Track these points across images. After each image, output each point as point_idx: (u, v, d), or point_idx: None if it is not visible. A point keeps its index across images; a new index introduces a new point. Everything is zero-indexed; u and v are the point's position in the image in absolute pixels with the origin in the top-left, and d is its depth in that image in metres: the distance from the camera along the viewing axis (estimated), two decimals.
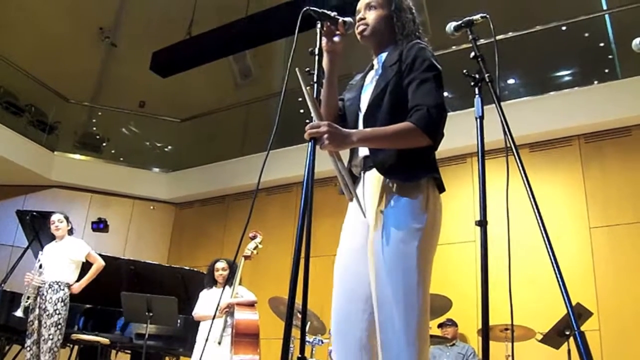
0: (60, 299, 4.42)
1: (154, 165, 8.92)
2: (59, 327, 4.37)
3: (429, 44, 1.73)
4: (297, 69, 1.55)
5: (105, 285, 5.09)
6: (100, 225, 7.65)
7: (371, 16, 1.78)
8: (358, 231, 1.68)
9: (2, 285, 5.16)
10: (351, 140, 1.54)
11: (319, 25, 1.67)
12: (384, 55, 1.78)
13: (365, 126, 1.69)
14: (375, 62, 1.82)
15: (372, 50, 1.84)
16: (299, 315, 1.76)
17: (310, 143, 1.49)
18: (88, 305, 5.29)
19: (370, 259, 1.58)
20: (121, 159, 8.91)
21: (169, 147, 9.62)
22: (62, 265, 4.58)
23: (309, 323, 4.21)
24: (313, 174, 1.46)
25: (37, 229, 5.37)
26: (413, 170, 1.60)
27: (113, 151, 9.22)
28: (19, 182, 7.98)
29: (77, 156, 8.56)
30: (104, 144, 9.26)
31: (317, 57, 1.62)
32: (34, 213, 5.39)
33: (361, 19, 1.79)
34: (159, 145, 9.73)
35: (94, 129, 9.53)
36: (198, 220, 8.29)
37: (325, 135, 1.49)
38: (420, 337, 1.49)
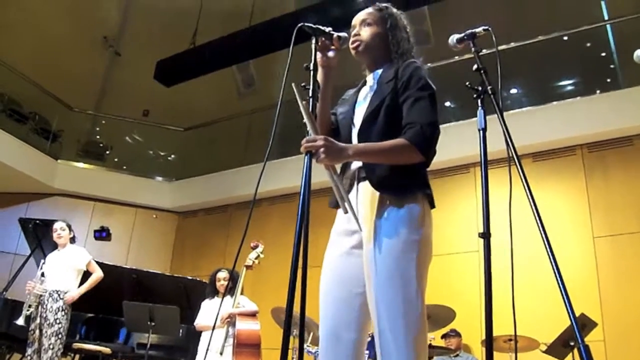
0: (61, 308, 4.41)
1: (157, 174, 8.94)
2: (60, 336, 4.36)
3: (425, 62, 1.75)
4: (293, 84, 1.57)
5: (107, 294, 5.09)
6: (102, 234, 7.65)
7: (366, 33, 1.79)
8: (344, 238, 1.70)
9: (4, 293, 5.16)
10: (347, 154, 1.56)
11: (313, 41, 1.69)
12: (379, 72, 1.79)
13: (359, 141, 1.71)
14: (369, 78, 1.84)
15: (364, 66, 1.86)
16: None
17: (306, 156, 1.51)
18: (90, 314, 5.29)
19: (367, 269, 1.58)
20: (124, 167, 8.94)
21: (172, 156, 9.65)
22: (63, 273, 4.58)
23: (310, 333, 4.19)
24: (310, 187, 1.48)
25: (40, 237, 5.39)
26: (405, 185, 1.62)
27: (116, 159, 9.26)
28: (22, 189, 8.00)
29: (80, 164, 8.59)
30: (107, 153, 9.30)
31: (312, 72, 1.64)
32: (37, 221, 5.40)
33: (356, 34, 1.80)
34: (162, 154, 9.76)
35: (98, 137, 9.57)
36: (201, 230, 8.29)
37: (322, 149, 1.51)
38: (419, 345, 1.50)
